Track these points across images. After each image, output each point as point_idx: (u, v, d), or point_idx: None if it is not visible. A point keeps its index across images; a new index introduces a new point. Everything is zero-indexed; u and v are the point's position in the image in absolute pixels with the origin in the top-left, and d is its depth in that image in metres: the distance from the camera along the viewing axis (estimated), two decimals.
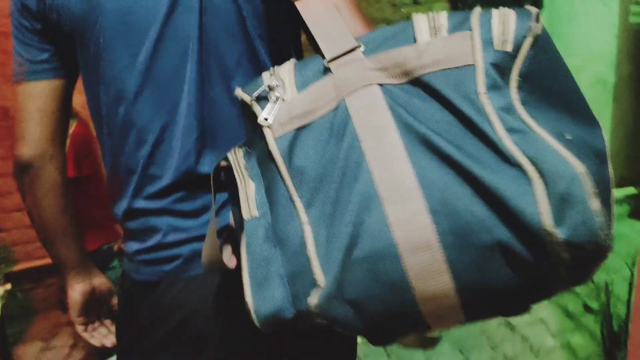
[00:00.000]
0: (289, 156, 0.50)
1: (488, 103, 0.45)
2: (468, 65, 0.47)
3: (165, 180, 0.69)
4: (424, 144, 0.46)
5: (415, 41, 0.50)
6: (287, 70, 0.54)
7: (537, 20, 0.47)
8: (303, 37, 0.71)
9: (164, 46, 0.67)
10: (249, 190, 0.54)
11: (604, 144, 0.47)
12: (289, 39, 0.74)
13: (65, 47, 0.71)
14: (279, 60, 0.63)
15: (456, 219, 0.44)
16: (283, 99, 0.52)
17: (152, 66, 0.67)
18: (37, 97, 0.73)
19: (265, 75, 0.55)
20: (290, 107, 0.51)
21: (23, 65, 0.72)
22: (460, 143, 0.45)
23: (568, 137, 0.45)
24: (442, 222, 0.44)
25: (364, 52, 0.52)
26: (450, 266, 0.44)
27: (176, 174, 0.68)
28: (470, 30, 0.48)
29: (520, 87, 0.46)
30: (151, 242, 0.70)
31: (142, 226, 0.71)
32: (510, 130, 0.44)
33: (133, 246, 0.73)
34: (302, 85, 0.53)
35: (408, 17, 3.00)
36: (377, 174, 0.46)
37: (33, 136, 0.74)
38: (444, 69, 0.47)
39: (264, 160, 0.53)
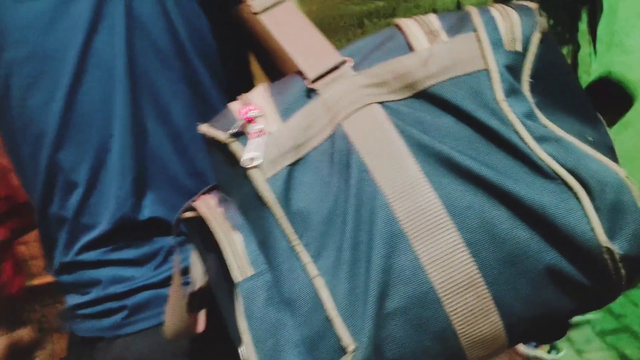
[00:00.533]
0: (285, 199, 0.43)
1: (510, 111, 0.42)
2: (480, 70, 0.43)
3: (101, 228, 0.61)
4: (445, 165, 0.41)
5: (411, 49, 0.45)
6: (261, 97, 0.46)
7: (539, 14, 0.45)
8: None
9: (86, 76, 0.58)
10: (235, 245, 0.44)
11: (611, 140, 0.46)
12: (236, 58, 0.65)
13: None
14: (225, 84, 0.56)
15: (497, 247, 0.40)
16: (268, 132, 0.44)
17: (74, 100, 0.59)
18: None
19: (235, 105, 0.46)
20: (278, 140, 0.44)
21: None
22: (487, 159, 0.41)
23: (590, 138, 0.43)
24: (481, 253, 0.40)
25: (352, 67, 0.45)
26: (497, 303, 0.40)
27: (113, 221, 0.61)
28: (475, 31, 0.44)
29: (532, 90, 0.44)
30: (91, 295, 0.64)
31: (79, 279, 0.65)
32: (540, 139, 0.41)
33: (72, 300, 0.67)
34: (286, 112, 0.45)
35: None
36: (397, 207, 0.41)
37: None
38: (454, 77, 0.43)
39: (252, 207, 0.44)
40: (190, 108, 0.60)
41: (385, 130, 0.43)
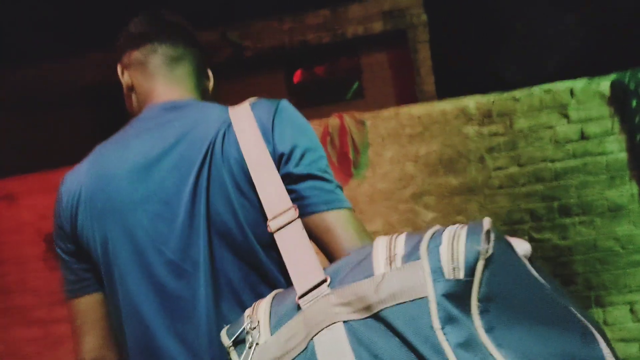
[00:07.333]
0: None
1: (444, 339, 0.45)
2: (421, 297, 0.47)
3: None
4: None
5: (373, 272, 0.52)
6: (263, 309, 0.58)
7: (488, 239, 0.46)
8: None
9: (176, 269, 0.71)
10: None
11: (600, 351, 0.44)
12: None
13: None
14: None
15: None
16: (257, 343, 0.55)
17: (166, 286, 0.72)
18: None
19: (246, 314, 0.59)
20: (264, 352, 0.55)
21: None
22: None
23: None
24: None
25: (330, 285, 0.55)
26: None
27: None
28: (419, 259, 0.49)
29: (484, 311, 0.46)
30: None
31: None
32: None
33: None
34: (276, 325, 0.56)
35: (574, 155, 2.70)
36: None
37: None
38: (400, 303, 0.48)
39: None
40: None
41: (343, 350, 0.50)
